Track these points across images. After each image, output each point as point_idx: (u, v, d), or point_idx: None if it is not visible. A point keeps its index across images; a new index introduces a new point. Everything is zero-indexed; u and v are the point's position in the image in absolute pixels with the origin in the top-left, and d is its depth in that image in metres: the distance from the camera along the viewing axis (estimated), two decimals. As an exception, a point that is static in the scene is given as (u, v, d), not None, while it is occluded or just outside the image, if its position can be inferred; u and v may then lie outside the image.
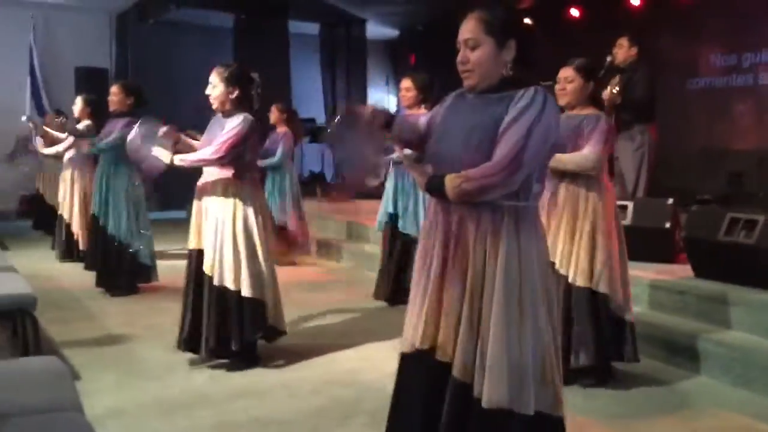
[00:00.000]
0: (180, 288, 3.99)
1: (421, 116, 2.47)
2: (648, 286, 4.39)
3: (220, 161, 3.72)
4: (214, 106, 3.83)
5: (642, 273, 4.46)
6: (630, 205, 4.89)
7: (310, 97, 11.95)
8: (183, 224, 4.22)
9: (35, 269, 6.40)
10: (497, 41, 2.13)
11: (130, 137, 4.01)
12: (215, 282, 3.72)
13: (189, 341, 3.83)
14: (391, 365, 2.39)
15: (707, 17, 8.00)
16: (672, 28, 8.16)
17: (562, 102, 3.55)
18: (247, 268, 3.74)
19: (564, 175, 3.49)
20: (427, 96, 4.99)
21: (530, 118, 2.05)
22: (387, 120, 2.29)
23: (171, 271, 5.61)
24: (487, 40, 2.13)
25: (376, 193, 9.43)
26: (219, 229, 3.74)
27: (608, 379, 3.59)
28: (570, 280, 3.49)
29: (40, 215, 8.74)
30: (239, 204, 3.77)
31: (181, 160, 3.77)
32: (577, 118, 3.52)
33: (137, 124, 3.99)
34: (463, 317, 2.11)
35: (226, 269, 3.71)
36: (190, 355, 3.93)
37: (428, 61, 9.79)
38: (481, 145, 2.10)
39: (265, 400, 3.45)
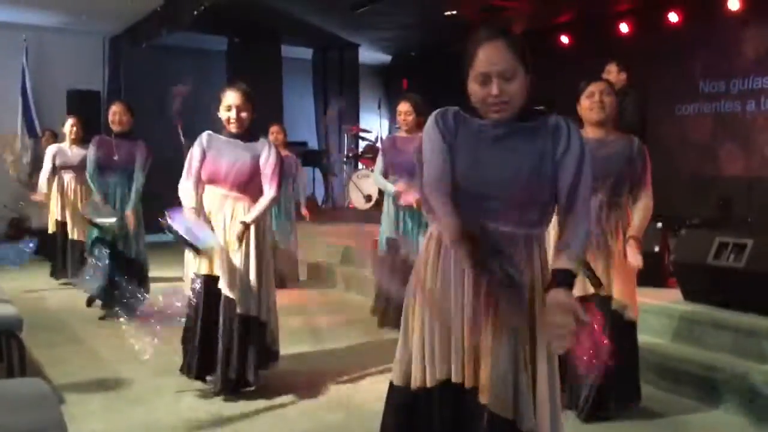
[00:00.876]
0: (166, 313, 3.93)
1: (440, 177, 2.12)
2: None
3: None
4: (238, 130, 3.75)
5: (632, 297, 4.45)
6: (620, 229, 4.90)
7: (302, 121, 11.99)
8: (170, 248, 4.19)
9: (24, 291, 6.36)
10: (526, 69, 2.02)
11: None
12: (239, 310, 3.64)
13: (202, 370, 3.75)
14: (381, 390, 2.36)
15: (695, 44, 8.11)
16: (660, 54, 8.26)
17: (599, 116, 3.47)
18: (260, 293, 3.71)
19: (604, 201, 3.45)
20: (425, 118, 4.99)
21: (579, 149, 2.02)
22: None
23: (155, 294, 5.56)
24: (520, 69, 2.00)
25: (371, 218, 9.45)
26: (241, 255, 3.67)
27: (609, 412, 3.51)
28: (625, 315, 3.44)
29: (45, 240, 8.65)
30: (257, 231, 3.75)
31: (252, 219, 3.68)
32: (620, 140, 3.55)
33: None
34: (502, 354, 2.00)
35: (251, 296, 3.67)
36: (177, 379, 3.89)
37: (420, 86, 9.86)
38: (530, 179, 2.01)
39: (253, 425, 3.42)
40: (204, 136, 3.84)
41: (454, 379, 2.06)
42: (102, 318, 5.46)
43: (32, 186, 8.30)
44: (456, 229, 2.00)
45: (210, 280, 3.68)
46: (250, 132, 3.81)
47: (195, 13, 8.30)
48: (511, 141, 2.04)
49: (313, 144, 12.36)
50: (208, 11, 8.17)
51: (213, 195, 3.75)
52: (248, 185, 3.73)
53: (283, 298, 6.41)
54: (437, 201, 2.05)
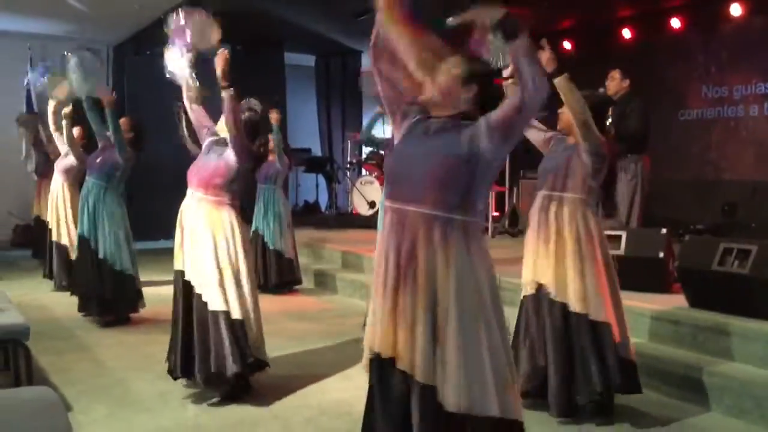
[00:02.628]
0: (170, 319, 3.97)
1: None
2: (642, 316, 4.39)
3: (241, 161, 3.81)
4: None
5: (636, 303, 4.46)
6: (624, 235, 4.91)
7: (306, 127, 12.03)
8: (169, 254, 4.24)
9: (28, 299, 6.37)
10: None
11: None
12: (210, 307, 3.71)
13: (185, 367, 3.80)
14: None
15: (698, 49, 8.12)
16: (663, 60, 8.28)
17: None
18: (234, 291, 3.74)
19: (553, 196, 3.54)
20: None
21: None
22: None
23: (160, 301, 5.59)
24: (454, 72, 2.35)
25: (371, 224, 9.45)
26: (206, 252, 3.76)
27: (611, 416, 3.53)
28: (570, 308, 3.46)
29: (39, 243, 8.69)
30: (226, 229, 3.80)
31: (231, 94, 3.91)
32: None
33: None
34: (420, 327, 2.21)
35: (216, 291, 3.71)
36: (183, 387, 3.90)
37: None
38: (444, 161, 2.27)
39: (258, 432, 3.42)
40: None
41: (377, 350, 2.31)
42: (104, 325, 5.50)
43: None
44: None
45: (181, 275, 3.84)
46: None
47: (198, 21, 8.32)
48: (438, 134, 2.33)
49: (317, 150, 12.39)
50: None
51: (191, 198, 3.91)
52: (210, 191, 3.84)
53: (286, 304, 6.47)
54: None
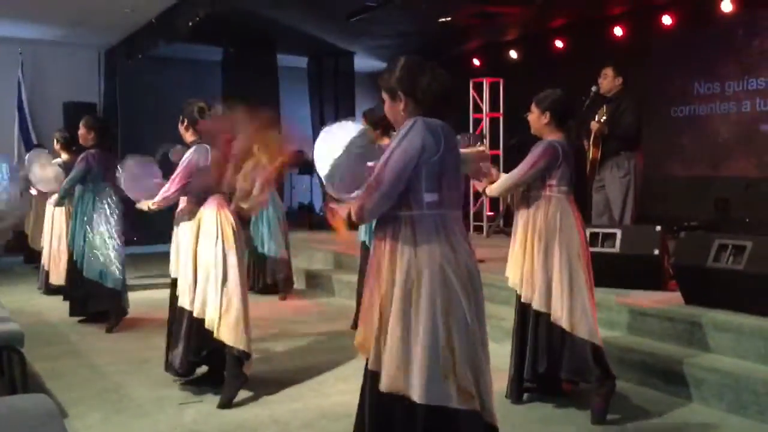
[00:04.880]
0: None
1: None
2: (639, 313, 4.40)
3: (176, 194, 4.00)
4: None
5: (632, 301, 4.46)
6: (618, 232, 4.91)
7: (299, 128, 12.00)
8: (165, 257, 4.28)
9: (22, 305, 6.35)
10: (390, 96, 2.57)
11: (122, 180, 4.41)
12: (180, 303, 3.90)
13: (172, 366, 4.00)
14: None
15: (689, 46, 8.14)
16: (655, 57, 8.29)
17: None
18: (202, 289, 3.83)
19: (542, 197, 3.63)
20: (386, 129, 4.99)
21: (394, 144, 2.43)
22: None
23: (158, 305, 5.57)
24: (385, 96, 2.60)
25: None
26: (185, 254, 3.92)
27: (606, 412, 3.55)
28: (530, 302, 3.62)
29: (30, 251, 8.68)
30: (201, 227, 3.88)
31: (153, 202, 4.08)
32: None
33: (123, 164, 4.42)
34: (375, 319, 2.45)
35: (187, 292, 3.87)
36: (179, 391, 3.89)
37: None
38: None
39: (256, 436, 3.41)
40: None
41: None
42: (108, 331, 5.51)
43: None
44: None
45: (174, 281, 4.04)
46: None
47: (190, 24, 8.31)
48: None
49: (310, 152, 12.36)
50: (203, 22, 8.18)
51: (181, 202, 4.15)
52: (186, 192, 4.00)
53: (281, 306, 6.45)
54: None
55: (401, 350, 2.37)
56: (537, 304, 3.59)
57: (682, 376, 3.85)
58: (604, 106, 5.77)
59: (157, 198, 4.06)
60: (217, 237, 3.84)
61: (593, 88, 5.82)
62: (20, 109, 10.65)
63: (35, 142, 10.37)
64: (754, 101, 7.75)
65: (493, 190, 3.72)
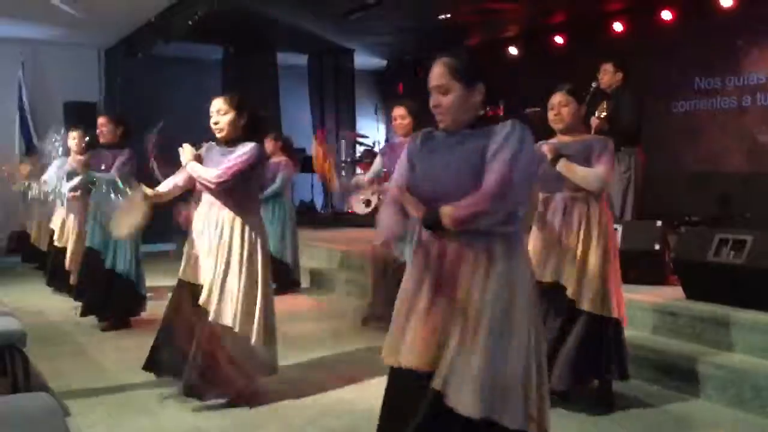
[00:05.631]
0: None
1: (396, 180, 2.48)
2: (640, 308, 4.40)
3: (222, 185, 3.59)
4: (221, 135, 3.73)
5: (633, 295, 4.47)
6: (619, 227, 4.91)
7: (300, 127, 12.00)
8: (168, 257, 4.23)
9: (24, 304, 6.35)
10: (465, 85, 2.29)
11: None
12: (211, 318, 3.61)
13: (161, 365, 3.78)
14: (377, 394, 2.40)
15: (689, 41, 8.13)
16: (655, 52, 8.28)
17: (559, 127, 3.60)
18: (244, 305, 3.63)
19: (575, 196, 3.52)
20: (421, 122, 5.02)
21: (514, 147, 2.17)
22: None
23: (159, 305, 5.57)
24: (455, 85, 2.28)
25: (367, 222, 9.44)
26: (227, 264, 3.63)
27: (612, 407, 3.56)
28: (578, 303, 3.48)
29: (29, 250, 8.69)
30: (248, 239, 3.67)
31: (192, 168, 3.67)
32: (581, 143, 3.54)
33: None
34: (452, 339, 2.20)
35: (227, 306, 3.60)
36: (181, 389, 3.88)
37: (416, 90, 9.86)
38: (471, 177, 2.20)
39: (258, 433, 3.42)
40: (204, 146, 3.86)
41: (407, 365, 2.27)
42: (104, 330, 5.48)
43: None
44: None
45: (188, 285, 3.74)
46: (243, 138, 3.74)
47: (189, 23, 8.31)
48: (462, 147, 2.29)
49: (312, 150, 12.37)
50: (203, 21, 8.18)
51: (203, 203, 3.77)
52: (231, 193, 3.65)
53: (283, 304, 6.43)
54: (380, 213, 2.45)
55: (498, 374, 2.16)
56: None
57: (683, 370, 3.85)
58: (604, 102, 5.76)
59: (200, 171, 3.63)
60: (258, 246, 3.71)
61: (593, 84, 5.81)
62: (21, 108, 10.66)
63: (36, 141, 10.38)
64: (754, 95, 7.74)
65: (592, 184, 3.47)
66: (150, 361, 3.83)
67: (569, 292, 3.48)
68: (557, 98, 3.57)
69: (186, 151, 3.74)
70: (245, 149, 3.64)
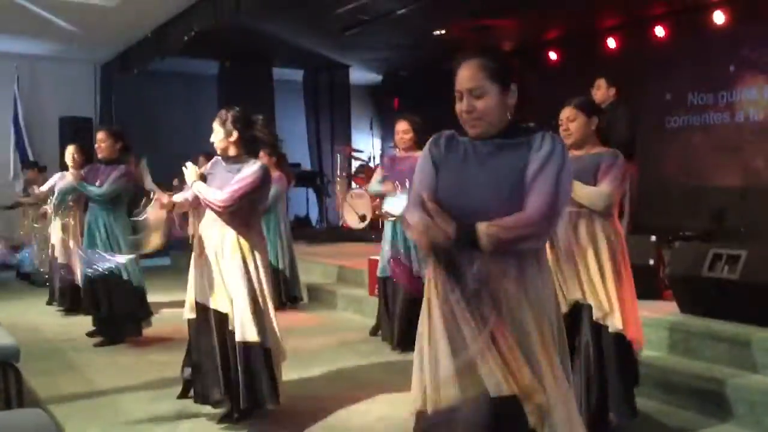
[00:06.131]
0: (165, 339, 3.93)
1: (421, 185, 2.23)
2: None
3: (228, 209, 3.57)
4: (220, 152, 3.74)
5: (628, 310, 4.46)
6: (614, 243, 4.92)
7: (295, 142, 12.05)
8: (164, 272, 4.19)
9: (18, 320, 6.32)
10: (501, 87, 2.10)
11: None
12: (239, 338, 3.54)
13: (203, 395, 3.68)
14: (383, 411, 2.37)
15: (683, 57, 8.20)
16: (648, 68, 8.35)
17: (567, 142, 3.49)
18: (264, 320, 3.61)
19: (582, 212, 3.43)
20: (423, 137, 5.05)
21: (557, 167, 2.04)
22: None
23: (156, 321, 5.56)
24: (492, 87, 2.09)
25: (365, 237, 9.45)
26: (238, 284, 3.59)
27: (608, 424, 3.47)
28: (604, 323, 3.36)
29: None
30: (251, 255, 3.64)
31: (198, 190, 3.63)
32: (591, 157, 3.48)
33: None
34: (522, 360, 2.04)
35: (248, 323, 3.55)
36: (174, 406, 3.86)
37: (411, 105, 9.93)
38: (510, 194, 2.05)
39: (253, 449, 3.40)
40: (213, 160, 3.87)
41: (502, 392, 2.04)
42: (97, 345, 5.45)
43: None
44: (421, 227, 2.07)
45: (206, 308, 3.64)
46: (245, 153, 3.74)
47: (185, 38, 8.35)
48: (495, 159, 2.11)
49: (306, 165, 12.41)
50: (198, 36, 8.22)
51: (207, 219, 3.73)
52: (235, 212, 3.61)
53: (282, 320, 6.39)
54: (412, 215, 2.13)
55: (571, 398, 2.10)
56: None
57: (677, 385, 3.85)
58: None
59: (207, 193, 3.59)
60: (261, 264, 3.67)
61: (587, 100, 5.85)
62: (16, 123, 10.67)
63: (31, 157, 10.38)
64: (747, 111, 7.80)
65: (597, 204, 3.37)
66: (186, 391, 3.78)
67: (597, 314, 3.37)
68: (566, 113, 3.51)
69: (191, 171, 3.72)
70: (251, 170, 3.62)
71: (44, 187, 7.20)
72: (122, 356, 5.21)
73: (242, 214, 3.63)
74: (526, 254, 2.08)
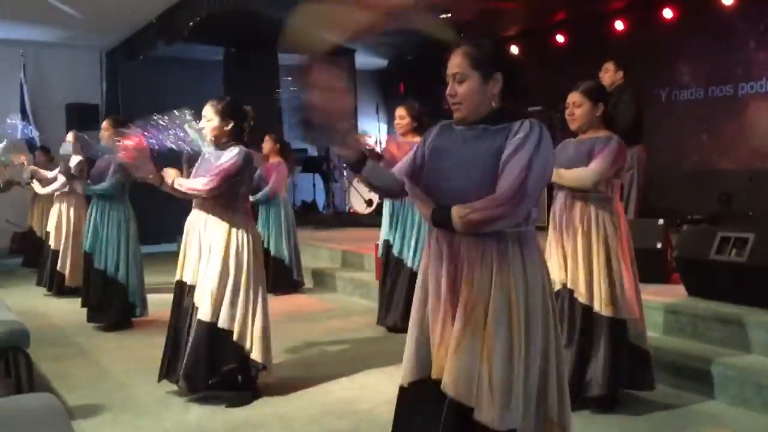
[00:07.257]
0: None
1: (405, 159, 2.48)
2: (642, 307, 4.39)
3: (212, 192, 3.67)
4: (209, 139, 3.84)
5: (635, 294, 4.46)
6: (621, 226, 4.91)
7: (300, 127, 12.04)
8: (166, 258, 4.24)
9: (26, 306, 6.37)
10: (483, 74, 2.21)
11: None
12: (199, 315, 3.69)
13: (168, 372, 3.83)
14: (387, 394, 2.40)
15: (691, 40, 8.13)
16: (656, 51, 8.28)
17: (573, 126, 3.56)
18: (229, 300, 3.70)
19: (577, 195, 3.47)
20: (421, 123, 5.07)
21: (530, 150, 2.11)
22: (360, 157, 2.44)
23: (164, 305, 5.57)
24: (473, 74, 2.21)
25: (369, 222, 9.46)
26: (209, 262, 3.72)
27: (614, 406, 3.56)
28: (594, 308, 3.44)
29: (31, 252, 8.71)
30: (232, 235, 3.74)
31: (179, 184, 3.70)
32: (589, 140, 3.50)
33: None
34: (466, 343, 2.12)
35: (207, 302, 3.68)
36: (184, 391, 3.89)
37: (417, 89, 9.90)
38: (484, 177, 2.14)
39: (261, 433, 3.43)
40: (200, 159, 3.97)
41: (433, 375, 2.20)
42: (105, 330, 5.50)
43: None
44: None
45: (182, 286, 3.82)
46: (232, 141, 3.81)
47: (191, 24, 8.32)
48: (476, 143, 2.22)
49: (313, 151, 12.39)
50: (204, 22, 8.19)
51: (196, 207, 3.85)
52: (217, 196, 3.71)
53: (286, 304, 6.46)
54: (413, 191, 2.36)
55: (517, 381, 2.12)
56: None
57: (685, 368, 3.85)
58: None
59: (188, 184, 3.70)
60: (246, 245, 3.76)
61: (594, 83, 5.81)
62: (23, 110, 10.68)
63: (38, 144, 10.40)
64: (756, 94, 7.74)
65: (585, 182, 3.40)
66: (163, 370, 3.86)
67: (581, 296, 3.44)
68: (572, 98, 3.54)
69: (170, 173, 3.78)
70: (231, 154, 3.73)
71: (50, 174, 7.24)
72: (130, 340, 5.24)
73: (223, 198, 3.74)
74: (507, 236, 2.16)
